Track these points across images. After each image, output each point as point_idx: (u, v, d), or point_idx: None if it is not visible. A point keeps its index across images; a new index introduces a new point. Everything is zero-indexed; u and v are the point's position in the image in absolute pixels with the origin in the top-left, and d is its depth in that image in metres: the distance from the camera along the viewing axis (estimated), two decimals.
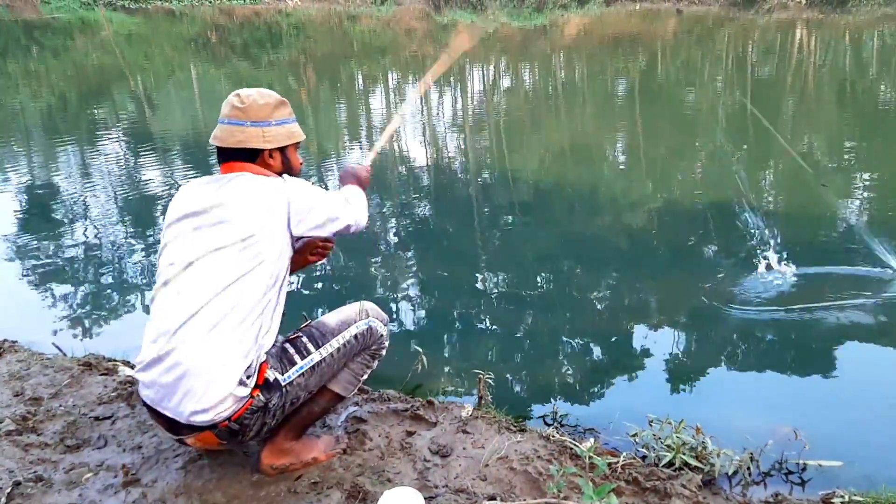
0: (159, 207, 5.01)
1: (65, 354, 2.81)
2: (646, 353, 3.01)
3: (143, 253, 4.21)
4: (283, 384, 1.75)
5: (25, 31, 17.44)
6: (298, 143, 1.96)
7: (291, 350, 1.81)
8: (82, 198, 5.34)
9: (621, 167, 6.08)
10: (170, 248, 1.76)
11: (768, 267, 3.65)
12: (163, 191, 5.45)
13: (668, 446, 2.11)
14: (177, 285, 1.71)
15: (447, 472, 2.00)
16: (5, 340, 2.88)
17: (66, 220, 4.89)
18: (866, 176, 5.35)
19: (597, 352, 3.07)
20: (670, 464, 2.07)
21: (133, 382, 2.41)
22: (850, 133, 6.91)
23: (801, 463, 2.13)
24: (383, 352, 2.01)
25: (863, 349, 2.93)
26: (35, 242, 4.45)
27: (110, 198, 5.35)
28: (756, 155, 6.09)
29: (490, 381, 2.49)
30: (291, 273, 1.94)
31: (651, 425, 2.23)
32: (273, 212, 1.75)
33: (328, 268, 4.02)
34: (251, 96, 1.85)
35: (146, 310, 3.43)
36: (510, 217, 4.73)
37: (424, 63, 13.21)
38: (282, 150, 1.90)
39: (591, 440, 2.24)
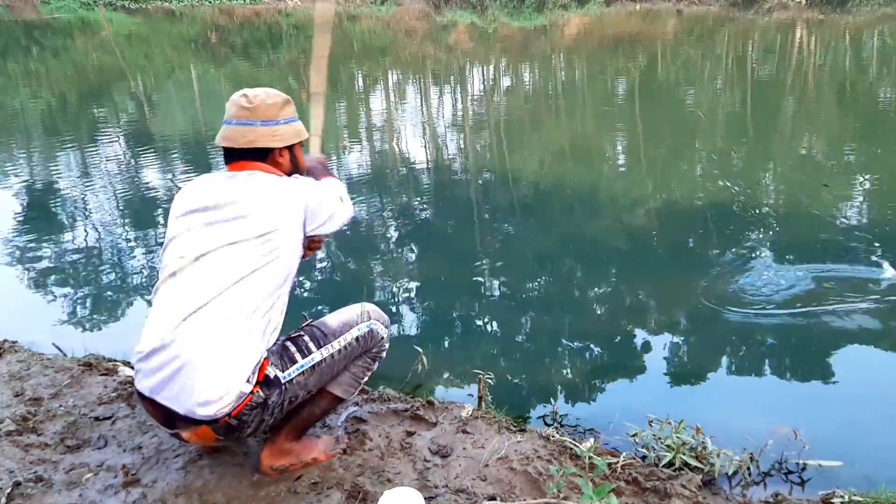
0: (159, 208, 5.02)
1: (65, 355, 2.81)
2: (646, 353, 3.01)
3: (144, 253, 4.21)
4: (283, 381, 1.74)
5: (25, 31, 17.44)
6: (303, 141, 1.99)
7: (293, 348, 1.80)
8: (82, 198, 5.34)
9: (621, 167, 6.08)
10: (179, 241, 1.76)
11: (768, 268, 3.65)
12: (163, 191, 5.46)
13: (668, 446, 2.11)
14: (186, 276, 1.70)
15: (447, 473, 2.00)
16: (5, 340, 2.88)
17: (66, 221, 4.89)
18: (867, 176, 5.35)
19: (597, 352, 3.07)
20: (670, 464, 2.07)
21: (133, 383, 2.41)
22: (851, 133, 6.91)
23: (801, 463, 2.13)
24: (384, 354, 2.01)
25: (863, 349, 2.93)
26: (35, 243, 4.45)
27: (110, 198, 5.35)
28: (755, 155, 6.09)
29: (490, 381, 2.49)
30: None
31: (651, 425, 2.23)
32: (292, 210, 1.78)
33: (327, 267, 4.02)
34: (259, 96, 1.86)
35: (147, 310, 3.43)
36: (510, 217, 4.73)
37: (425, 63, 13.22)
38: (290, 148, 1.92)
39: (591, 440, 2.24)
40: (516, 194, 5.31)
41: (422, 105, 9.61)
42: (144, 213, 5.02)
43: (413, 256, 4.18)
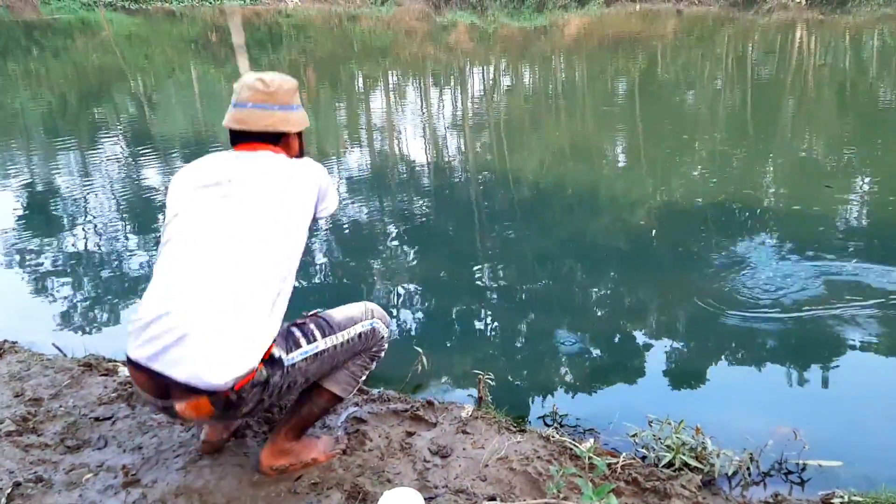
0: (160, 208, 5.01)
1: (65, 355, 2.81)
2: (646, 353, 3.01)
3: (144, 253, 4.21)
4: (286, 364, 1.74)
5: (26, 31, 17.44)
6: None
7: (298, 333, 1.81)
8: (82, 198, 5.34)
9: (621, 167, 6.08)
10: (188, 214, 1.75)
11: (768, 268, 3.65)
12: (163, 192, 5.45)
13: (668, 447, 2.11)
14: (198, 248, 1.69)
15: (447, 473, 2.00)
16: (5, 341, 2.88)
17: (66, 221, 4.89)
18: (867, 177, 5.35)
19: (597, 352, 3.07)
20: (670, 464, 2.07)
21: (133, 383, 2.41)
22: (851, 133, 6.91)
23: (800, 463, 2.13)
24: (382, 354, 2.02)
25: (863, 349, 2.93)
26: (35, 243, 4.45)
27: (110, 198, 5.35)
28: (756, 155, 6.09)
29: (490, 381, 2.49)
30: None
31: (651, 426, 2.23)
32: (306, 189, 1.82)
33: (328, 267, 4.02)
34: (275, 80, 1.88)
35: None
36: (510, 217, 4.73)
37: (425, 63, 13.22)
38: (299, 133, 1.97)
39: (591, 440, 2.24)
40: (516, 194, 5.31)
41: (422, 105, 9.61)
42: (144, 213, 5.02)
43: (413, 256, 4.18)
